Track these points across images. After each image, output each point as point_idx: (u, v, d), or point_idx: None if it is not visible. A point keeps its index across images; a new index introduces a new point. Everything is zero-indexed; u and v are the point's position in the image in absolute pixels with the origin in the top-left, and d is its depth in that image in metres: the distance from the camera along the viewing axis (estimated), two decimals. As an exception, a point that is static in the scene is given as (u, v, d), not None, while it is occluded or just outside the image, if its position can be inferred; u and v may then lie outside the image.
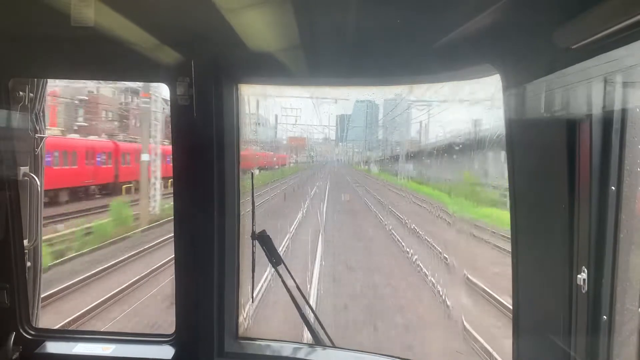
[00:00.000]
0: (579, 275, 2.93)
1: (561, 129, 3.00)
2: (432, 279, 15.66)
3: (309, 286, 15.65)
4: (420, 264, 17.60)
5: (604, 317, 2.83)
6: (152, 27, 3.81)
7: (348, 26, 3.80)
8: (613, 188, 2.75)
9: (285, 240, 18.52)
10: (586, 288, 2.89)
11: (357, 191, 31.43)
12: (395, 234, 22.44)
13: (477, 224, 16.57)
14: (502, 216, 15.48)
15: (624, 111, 2.69)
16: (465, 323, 12.56)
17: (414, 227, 21.72)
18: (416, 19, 3.62)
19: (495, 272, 14.39)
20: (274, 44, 4.00)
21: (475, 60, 3.67)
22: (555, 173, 3.11)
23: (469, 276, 14.61)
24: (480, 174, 18.50)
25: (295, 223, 21.56)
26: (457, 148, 19.42)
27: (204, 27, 3.85)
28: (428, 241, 19.13)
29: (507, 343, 3.80)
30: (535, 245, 3.48)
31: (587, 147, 2.85)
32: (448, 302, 13.99)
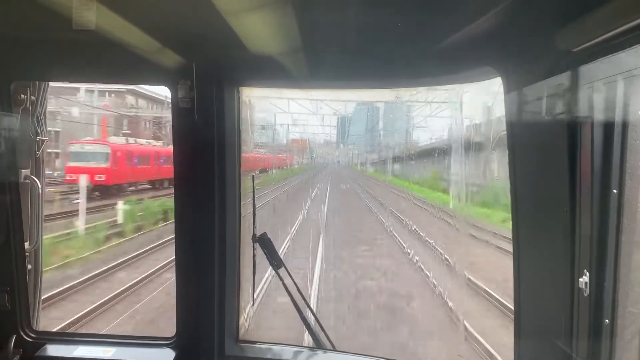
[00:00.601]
0: (580, 279, 2.92)
1: (562, 131, 2.99)
2: (384, 220, 28.53)
3: (321, 210, 28.78)
4: (379, 215, 30.76)
5: (606, 320, 2.82)
6: (154, 30, 3.82)
7: (349, 29, 3.80)
8: (615, 191, 2.74)
9: (306, 207, 29.67)
10: (588, 291, 2.89)
11: (352, 184, 43.35)
12: (370, 205, 34.84)
13: (428, 202, 27.55)
14: (444, 198, 25.12)
15: (625, 114, 2.68)
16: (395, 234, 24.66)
17: (383, 203, 33.37)
18: (417, 22, 3.63)
19: (415, 210, 27.51)
20: (275, 47, 4.01)
21: (477, 63, 3.67)
22: (556, 176, 3.10)
23: (402, 217, 26.90)
24: (444, 172, 28.59)
25: (309, 201, 32.74)
26: (429, 152, 31.49)
27: (205, 30, 3.86)
28: (388, 208, 30.83)
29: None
30: (537, 248, 3.48)
31: (588, 150, 2.85)
32: (390, 229, 26.31)
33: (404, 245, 22.31)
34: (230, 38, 3.69)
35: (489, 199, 25.35)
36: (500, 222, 21.19)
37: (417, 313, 15.58)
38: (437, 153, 30.35)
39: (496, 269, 16.71)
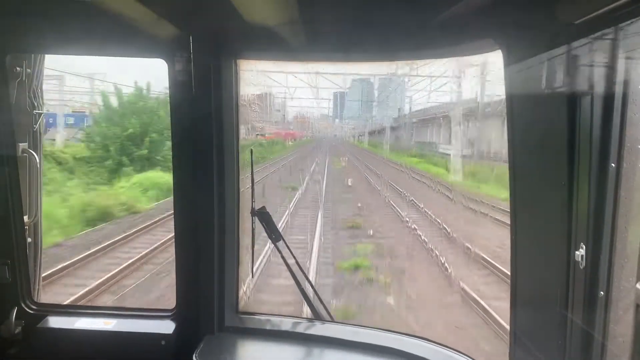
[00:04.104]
0: (577, 252, 2.95)
1: (562, 104, 2.98)
2: (365, 172, 39.47)
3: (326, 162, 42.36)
4: (357, 164, 43.75)
5: (601, 292, 2.85)
6: (150, 1, 3.75)
7: None
8: (613, 165, 2.75)
9: (315, 159, 43.18)
10: (584, 264, 2.92)
11: (340, 147, 55.07)
12: (353, 161, 46.14)
13: (397, 164, 36.18)
14: (407, 159, 34.83)
15: (625, 88, 2.67)
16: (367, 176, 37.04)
17: (359, 159, 46.61)
18: None
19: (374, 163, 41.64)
20: (272, 17, 3.95)
21: (477, 34, 3.63)
22: (555, 149, 3.10)
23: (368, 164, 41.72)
24: (411, 141, 40.62)
25: (319, 155, 45.72)
26: (402, 126, 41.82)
27: (202, 0, 3.80)
28: (363, 161, 44.55)
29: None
30: (534, 221, 3.50)
31: (587, 124, 2.84)
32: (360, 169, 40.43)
33: (361, 168, 41.15)
34: (227, 8, 3.62)
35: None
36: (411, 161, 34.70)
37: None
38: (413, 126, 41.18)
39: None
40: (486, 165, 22.29)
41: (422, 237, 19.09)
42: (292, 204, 24.88)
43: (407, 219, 21.52)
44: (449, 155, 27.27)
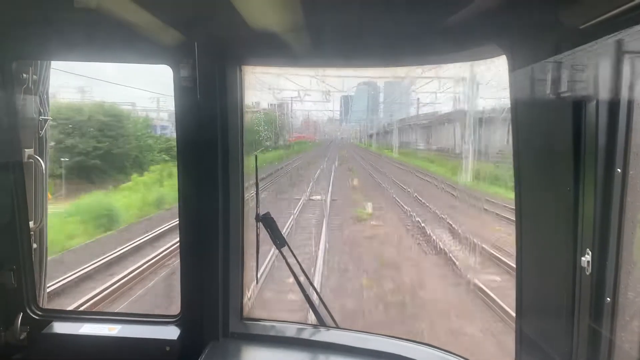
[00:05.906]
0: (583, 258, 2.93)
1: (567, 110, 2.97)
2: (355, 156, 63.90)
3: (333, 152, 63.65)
4: (357, 157, 61.53)
5: (608, 299, 2.83)
6: (155, 8, 3.77)
7: (353, 5, 3.75)
8: (619, 170, 2.73)
9: (328, 153, 60.13)
10: (590, 270, 2.90)
11: (346, 146, 70.78)
12: (356, 156, 61.56)
13: (387, 156, 56.89)
14: (393, 154, 54.41)
15: (631, 93, 2.66)
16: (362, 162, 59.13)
17: (354, 151, 66.26)
18: None
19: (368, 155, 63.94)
20: (277, 24, 3.96)
21: (482, 40, 3.62)
22: (560, 155, 3.09)
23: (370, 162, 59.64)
24: (401, 141, 53.93)
25: (329, 151, 59.96)
26: (390, 131, 60.64)
27: (206, 7, 3.81)
28: (361, 155, 63.38)
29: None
30: (539, 227, 3.48)
31: (593, 129, 2.83)
32: (357, 158, 61.86)
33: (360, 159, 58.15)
34: (232, 15, 3.64)
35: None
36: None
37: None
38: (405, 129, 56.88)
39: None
40: (428, 153, 46.35)
41: (366, 168, 45.57)
42: (324, 161, 48.51)
43: (369, 171, 44.27)
44: (411, 148, 51.82)
